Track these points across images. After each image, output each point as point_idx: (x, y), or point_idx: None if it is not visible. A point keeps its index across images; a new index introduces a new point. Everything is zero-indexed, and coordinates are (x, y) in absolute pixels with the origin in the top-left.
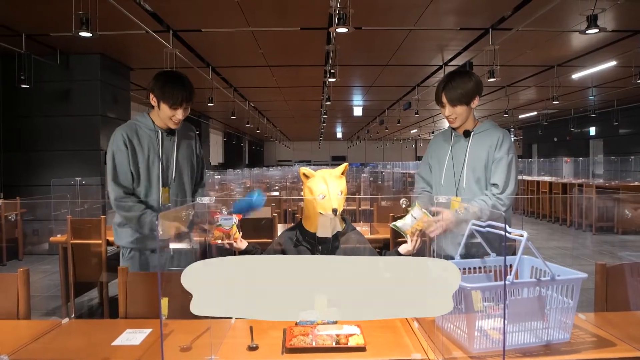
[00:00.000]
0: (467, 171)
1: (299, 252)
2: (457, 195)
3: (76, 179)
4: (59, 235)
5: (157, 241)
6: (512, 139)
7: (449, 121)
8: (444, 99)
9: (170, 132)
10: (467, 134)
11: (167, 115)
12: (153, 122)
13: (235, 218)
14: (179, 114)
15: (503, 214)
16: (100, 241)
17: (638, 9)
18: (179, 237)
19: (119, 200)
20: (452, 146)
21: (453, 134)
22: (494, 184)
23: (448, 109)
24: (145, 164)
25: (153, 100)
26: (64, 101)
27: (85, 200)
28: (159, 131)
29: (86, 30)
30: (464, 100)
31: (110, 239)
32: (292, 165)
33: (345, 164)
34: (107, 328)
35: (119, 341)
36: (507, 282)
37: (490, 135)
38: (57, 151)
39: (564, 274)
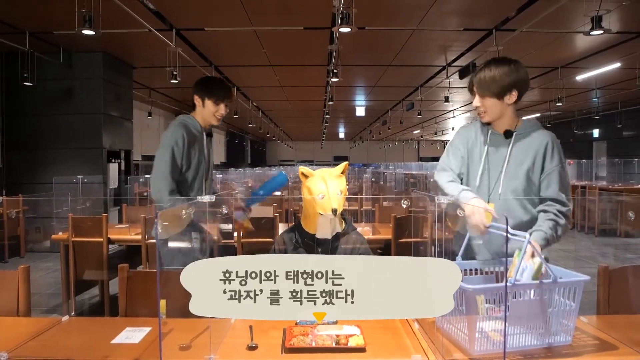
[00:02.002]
0: (505, 178)
1: (297, 252)
2: (488, 202)
3: (78, 177)
4: (60, 233)
5: (157, 239)
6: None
7: (478, 114)
8: (474, 87)
9: (208, 133)
10: (508, 134)
11: (211, 111)
12: (199, 124)
13: (246, 213)
14: (222, 109)
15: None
16: (101, 239)
17: None
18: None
19: (172, 194)
20: (488, 145)
21: (490, 132)
22: (554, 199)
23: (477, 99)
24: (196, 161)
25: (197, 101)
26: (66, 99)
27: (87, 198)
28: (203, 132)
29: (89, 29)
30: (493, 90)
31: (112, 236)
32: (294, 165)
33: (345, 163)
34: (106, 326)
35: (118, 339)
36: (508, 284)
37: (537, 138)
38: (60, 149)
39: (566, 276)
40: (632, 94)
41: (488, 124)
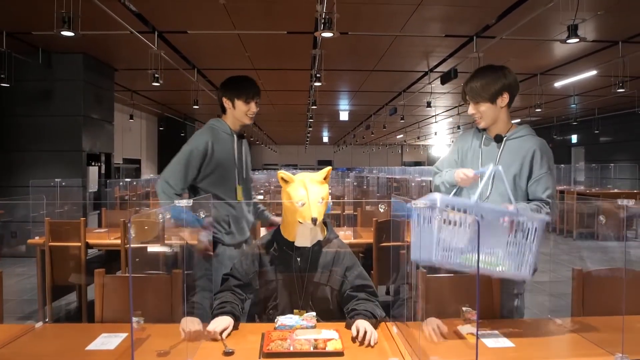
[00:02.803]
0: (494, 181)
1: (275, 260)
2: None
3: (56, 180)
4: (36, 238)
5: (129, 244)
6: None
7: (475, 121)
8: (467, 95)
9: (240, 136)
10: (498, 138)
11: (242, 111)
12: (229, 127)
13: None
14: (253, 107)
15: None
16: (79, 243)
17: (617, 20)
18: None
19: (176, 197)
20: (482, 149)
21: (484, 136)
22: (541, 200)
23: (471, 107)
24: (223, 164)
25: (227, 103)
26: (45, 101)
27: (65, 202)
28: (234, 135)
29: (68, 30)
30: (485, 95)
31: (91, 241)
32: (278, 169)
33: (328, 168)
34: (82, 332)
35: (93, 345)
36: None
37: (525, 144)
38: (38, 152)
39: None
40: (608, 101)
41: (485, 129)
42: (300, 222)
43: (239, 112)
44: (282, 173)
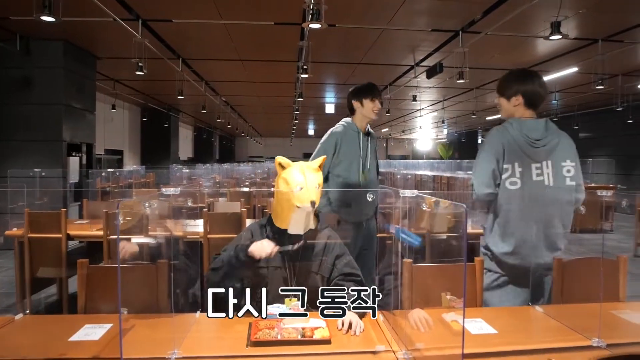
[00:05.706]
0: None
1: None
2: None
3: (35, 170)
4: (15, 229)
5: (117, 231)
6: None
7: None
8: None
9: (366, 134)
10: None
11: (370, 108)
12: (356, 125)
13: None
14: (377, 104)
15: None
16: (60, 235)
17: (597, 18)
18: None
19: None
20: None
21: None
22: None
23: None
24: (349, 154)
25: (356, 104)
26: (24, 89)
27: (45, 190)
28: (360, 132)
29: (48, 15)
30: (499, 90)
31: (72, 232)
32: (263, 161)
33: (322, 157)
34: (65, 323)
35: (77, 337)
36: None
37: None
38: (17, 141)
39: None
40: (587, 97)
41: None
42: (298, 207)
43: (367, 109)
44: (280, 159)
